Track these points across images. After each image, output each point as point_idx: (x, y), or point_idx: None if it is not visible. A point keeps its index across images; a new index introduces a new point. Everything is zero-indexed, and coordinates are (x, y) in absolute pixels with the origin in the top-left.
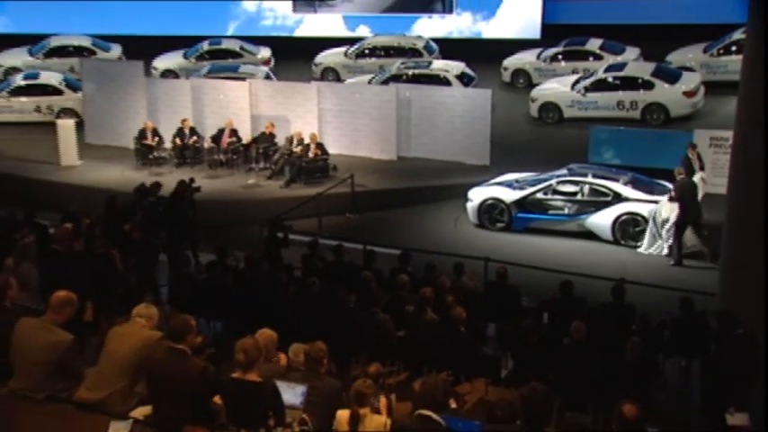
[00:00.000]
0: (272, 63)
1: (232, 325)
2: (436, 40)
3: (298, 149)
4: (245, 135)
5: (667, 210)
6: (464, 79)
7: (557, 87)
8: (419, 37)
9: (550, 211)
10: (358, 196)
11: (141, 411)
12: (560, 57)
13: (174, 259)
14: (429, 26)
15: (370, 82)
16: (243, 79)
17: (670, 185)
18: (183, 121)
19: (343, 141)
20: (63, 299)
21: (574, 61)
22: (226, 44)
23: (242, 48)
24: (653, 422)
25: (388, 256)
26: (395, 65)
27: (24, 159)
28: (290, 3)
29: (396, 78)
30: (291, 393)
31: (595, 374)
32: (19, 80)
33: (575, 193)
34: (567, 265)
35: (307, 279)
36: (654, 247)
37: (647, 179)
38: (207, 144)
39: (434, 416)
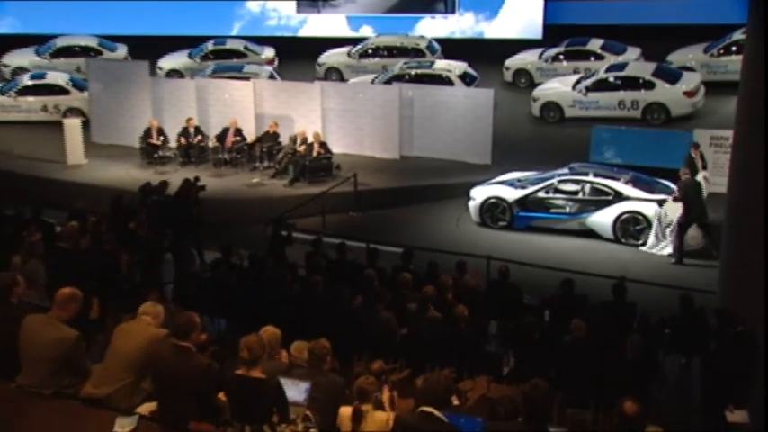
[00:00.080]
0: (276, 63)
1: (236, 322)
2: (439, 41)
3: (301, 148)
4: (250, 134)
5: (673, 211)
6: (466, 79)
7: (558, 87)
8: (422, 37)
9: (552, 210)
10: (361, 195)
11: (147, 407)
12: (562, 57)
13: (178, 257)
14: (432, 26)
15: (373, 82)
16: (247, 79)
17: (671, 184)
18: (188, 120)
19: (346, 140)
20: (68, 295)
21: (575, 61)
22: (230, 44)
23: (246, 48)
24: (653, 419)
25: (391, 255)
26: (398, 65)
27: (31, 158)
28: (294, 3)
29: (398, 78)
30: (295, 390)
31: (596, 372)
32: (26, 80)
33: (576, 192)
34: (569, 263)
35: (311, 277)
36: (658, 246)
37: (647, 178)
38: (211, 143)
39: (437, 412)
